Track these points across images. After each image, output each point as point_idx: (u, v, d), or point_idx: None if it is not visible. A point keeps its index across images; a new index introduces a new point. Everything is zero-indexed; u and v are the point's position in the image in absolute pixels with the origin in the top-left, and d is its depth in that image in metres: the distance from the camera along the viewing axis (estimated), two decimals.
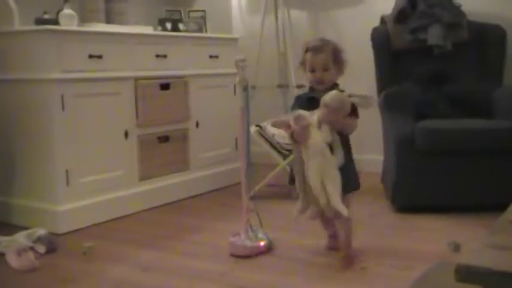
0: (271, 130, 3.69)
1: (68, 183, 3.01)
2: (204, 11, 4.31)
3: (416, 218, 3.07)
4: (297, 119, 2.33)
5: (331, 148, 2.31)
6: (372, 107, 2.42)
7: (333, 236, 2.62)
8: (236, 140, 4.02)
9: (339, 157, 2.33)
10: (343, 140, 2.38)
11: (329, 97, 2.31)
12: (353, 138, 4.55)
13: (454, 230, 2.84)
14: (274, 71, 4.50)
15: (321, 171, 2.27)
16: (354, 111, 2.38)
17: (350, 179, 2.39)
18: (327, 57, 2.43)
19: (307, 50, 2.48)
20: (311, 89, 2.52)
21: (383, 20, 3.86)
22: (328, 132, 2.31)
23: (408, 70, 3.61)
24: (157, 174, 3.53)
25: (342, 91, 2.38)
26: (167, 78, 3.57)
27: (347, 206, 2.34)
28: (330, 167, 2.28)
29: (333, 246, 2.60)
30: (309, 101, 2.44)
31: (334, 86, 2.45)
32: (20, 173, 3.14)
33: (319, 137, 2.30)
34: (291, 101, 4.43)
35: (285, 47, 4.35)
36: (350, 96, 2.34)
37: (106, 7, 3.63)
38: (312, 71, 2.45)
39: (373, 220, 3.09)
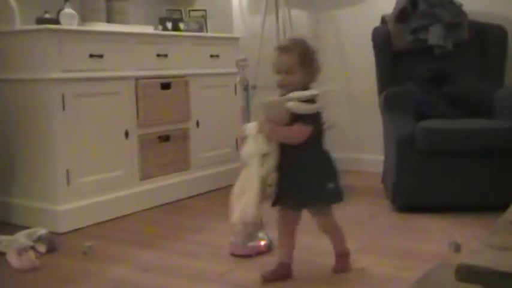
0: None
1: (68, 182, 3.01)
2: (204, 10, 4.31)
3: (416, 218, 3.07)
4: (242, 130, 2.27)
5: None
6: (319, 110, 2.17)
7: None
8: (237, 139, 4.01)
9: (263, 169, 2.15)
10: (315, 151, 2.23)
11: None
12: (354, 139, 4.59)
13: (454, 230, 2.84)
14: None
15: (244, 182, 2.17)
16: (302, 118, 2.14)
17: (333, 192, 2.25)
18: (293, 60, 2.17)
19: (275, 49, 2.26)
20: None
21: (384, 20, 3.86)
22: (261, 143, 2.15)
23: (409, 70, 3.61)
24: (158, 174, 3.53)
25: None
26: (168, 78, 3.57)
27: (327, 216, 2.30)
28: (251, 178, 2.15)
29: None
30: None
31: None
32: (21, 173, 3.14)
33: (251, 148, 2.17)
34: None
35: None
36: (289, 100, 2.14)
37: (107, 6, 3.63)
38: (277, 72, 2.23)
39: (373, 220, 3.09)
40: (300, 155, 2.20)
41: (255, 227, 2.25)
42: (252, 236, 2.42)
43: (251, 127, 2.21)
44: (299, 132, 2.15)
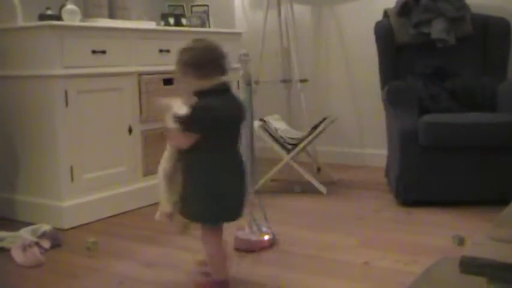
0: (274, 124, 3.70)
1: (72, 179, 3.01)
2: (207, 5, 4.31)
3: (420, 212, 3.07)
4: None
5: None
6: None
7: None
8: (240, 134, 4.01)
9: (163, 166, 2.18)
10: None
11: None
12: (357, 133, 4.59)
13: (458, 223, 2.84)
14: (277, 66, 4.50)
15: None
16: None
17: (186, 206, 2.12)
18: (178, 70, 2.10)
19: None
20: None
21: (386, 14, 3.85)
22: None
23: (411, 64, 3.61)
24: None
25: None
26: (170, 74, 3.57)
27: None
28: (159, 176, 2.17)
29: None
30: None
31: (197, 93, 2.07)
32: (25, 170, 3.14)
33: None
34: (293, 96, 4.45)
35: (288, 42, 4.35)
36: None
37: (109, 2, 3.63)
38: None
39: (377, 214, 3.09)
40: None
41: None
42: (187, 225, 2.23)
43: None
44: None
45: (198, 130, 2.02)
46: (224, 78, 2.09)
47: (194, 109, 2.01)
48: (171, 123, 2.02)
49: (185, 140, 2.04)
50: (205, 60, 2.06)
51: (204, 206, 2.06)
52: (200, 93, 2.05)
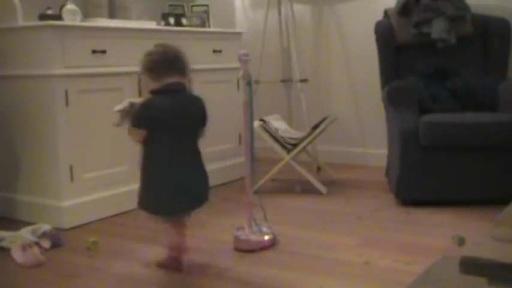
0: (274, 124, 3.70)
1: (72, 178, 3.01)
2: (207, 5, 4.31)
3: (420, 212, 3.07)
4: None
5: None
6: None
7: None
8: (240, 134, 4.02)
9: None
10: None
11: None
12: (357, 132, 4.58)
13: (458, 223, 2.84)
14: (277, 66, 4.50)
15: None
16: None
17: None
18: (140, 72, 2.35)
19: None
20: None
21: (386, 14, 3.85)
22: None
23: (412, 64, 3.60)
24: None
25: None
26: None
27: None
28: None
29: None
30: None
31: (151, 93, 2.29)
32: (25, 169, 3.14)
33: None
34: (293, 96, 4.45)
35: (288, 41, 4.35)
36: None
37: (109, 2, 3.63)
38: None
39: (377, 214, 3.09)
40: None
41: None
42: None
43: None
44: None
45: (141, 126, 2.26)
46: (182, 79, 2.36)
47: (138, 107, 2.27)
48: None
49: (135, 135, 2.30)
50: (159, 63, 2.28)
51: (151, 198, 2.29)
52: (152, 93, 2.27)
